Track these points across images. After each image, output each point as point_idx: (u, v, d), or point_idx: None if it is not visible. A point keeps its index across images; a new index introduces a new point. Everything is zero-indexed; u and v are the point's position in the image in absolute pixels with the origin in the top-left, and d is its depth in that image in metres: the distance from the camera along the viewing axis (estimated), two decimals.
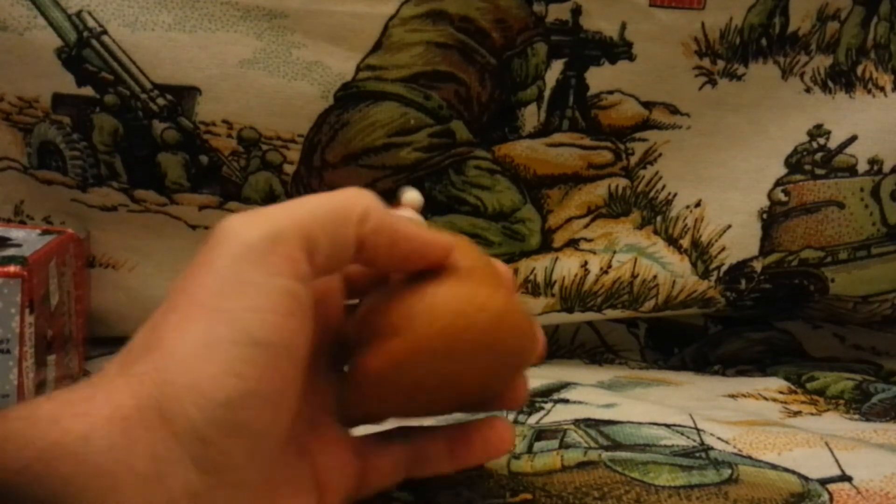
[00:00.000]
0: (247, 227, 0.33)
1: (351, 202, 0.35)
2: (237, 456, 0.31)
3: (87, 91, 0.60)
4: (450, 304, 0.35)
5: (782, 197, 0.65)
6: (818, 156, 0.65)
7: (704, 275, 0.66)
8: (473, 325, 0.34)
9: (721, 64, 0.63)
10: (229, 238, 0.33)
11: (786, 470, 0.48)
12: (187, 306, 0.32)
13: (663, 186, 0.65)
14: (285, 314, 0.32)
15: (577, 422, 0.53)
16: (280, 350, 0.32)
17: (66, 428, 0.29)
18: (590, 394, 0.59)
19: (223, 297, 0.31)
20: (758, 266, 0.66)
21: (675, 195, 0.65)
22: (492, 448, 0.41)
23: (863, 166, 0.64)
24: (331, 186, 0.62)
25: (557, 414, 0.55)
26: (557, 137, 0.63)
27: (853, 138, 0.64)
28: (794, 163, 0.65)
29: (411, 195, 0.47)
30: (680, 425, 0.53)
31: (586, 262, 0.66)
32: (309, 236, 0.34)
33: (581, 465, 0.47)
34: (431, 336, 0.34)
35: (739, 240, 0.65)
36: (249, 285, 0.32)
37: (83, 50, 0.59)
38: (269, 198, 0.62)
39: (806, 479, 0.47)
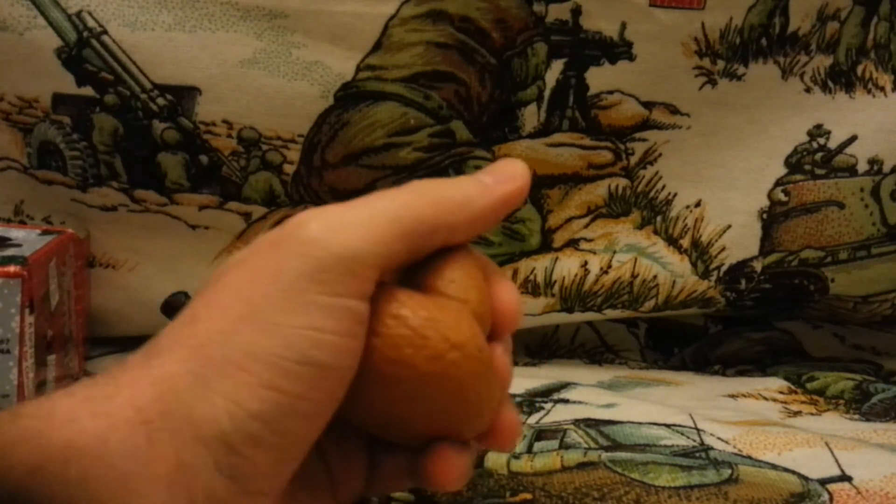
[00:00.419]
0: (325, 239, 0.30)
1: (449, 214, 0.33)
2: (264, 466, 0.30)
3: (88, 91, 0.60)
4: (398, 340, 0.32)
5: (782, 197, 0.65)
6: (818, 156, 0.65)
7: (704, 275, 0.66)
8: (414, 368, 0.32)
9: (721, 64, 0.63)
10: (303, 248, 0.30)
11: (786, 470, 0.48)
12: (237, 309, 0.30)
13: (663, 186, 0.65)
14: (346, 335, 0.30)
15: (577, 422, 0.53)
16: (331, 371, 0.30)
17: (83, 427, 0.28)
18: (590, 394, 0.59)
19: (282, 313, 0.29)
20: (758, 266, 0.66)
21: (675, 195, 0.65)
22: (435, 480, 0.36)
23: (863, 166, 0.64)
24: (331, 186, 0.62)
25: (557, 414, 0.55)
26: (557, 137, 0.63)
27: (853, 138, 0.64)
28: (794, 163, 0.65)
29: None
30: (680, 425, 0.53)
31: (586, 262, 0.66)
32: (390, 255, 0.32)
33: (581, 466, 0.47)
34: (378, 363, 0.32)
35: (739, 240, 0.65)
36: (313, 306, 0.30)
37: (83, 50, 0.59)
38: (269, 198, 0.62)
39: (806, 479, 0.47)
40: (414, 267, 0.35)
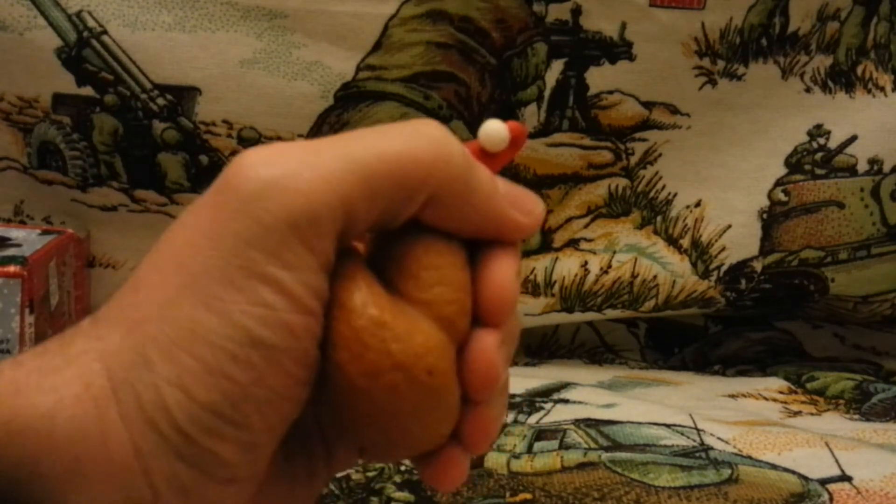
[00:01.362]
0: (269, 194, 0.25)
1: (422, 165, 0.27)
2: (229, 455, 0.26)
3: (87, 91, 0.60)
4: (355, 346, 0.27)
5: (782, 197, 0.65)
6: (818, 156, 0.65)
7: (704, 275, 0.66)
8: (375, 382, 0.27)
9: (721, 64, 0.63)
10: (243, 205, 0.25)
11: (786, 470, 0.48)
12: (178, 278, 0.26)
13: (663, 186, 0.65)
14: (298, 311, 0.26)
15: (577, 422, 0.53)
16: (285, 352, 0.26)
17: (29, 402, 0.25)
18: (590, 394, 0.59)
19: (224, 286, 0.25)
20: (758, 266, 0.66)
21: (675, 195, 0.65)
22: (427, 482, 0.31)
23: (863, 166, 0.64)
24: None
25: (557, 414, 0.55)
26: (557, 137, 0.63)
27: (853, 138, 0.64)
28: (794, 163, 0.65)
29: (493, 128, 0.31)
30: (680, 425, 0.53)
31: (586, 262, 0.66)
32: (351, 215, 0.26)
33: (581, 466, 0.47)
34: (340, 365, 0.27)
35: (739, 240, 0.65)
36: (260, 278, 0.25)
37: (83, 50, 0.59)
38: None
39: (806, 478, 0.47)
40: (387, 238, 0.29)
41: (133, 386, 0.25)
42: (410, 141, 0.27)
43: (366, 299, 0.27)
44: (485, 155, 0.30)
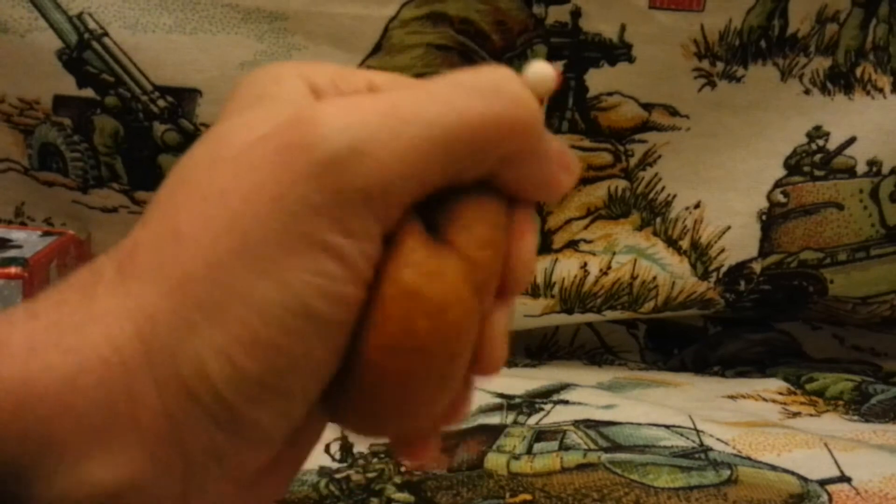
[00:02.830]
0: (348, 162, 0.23)
1: (504, 129, 0.26)
2: (266, 422, 0.25)
3: (88, 93, 0.60)
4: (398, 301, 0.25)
5: (781, 198, 0.65)
6: (817, 157, 0.65)
7: (704, 276, 0.66)
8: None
9: (720, 66, 0.63)
10: (317, 168, 0.23)
11: (785, 471, 0.48)
12: (229, 238, 0.23)
13: (663, 188, 0.65)
14: (355, 282, 0.24)
15: (576, 423, 0.53)
16: (337, 325, 0.24)
17: (46, 363, 0.23)
18: (589, 395, 0.59)
19: (283, 250, 0.23)
20: (757, 267, 0.66)
21: (674, 196, 0.65)
22: (401, 458, 0.31)
23: (862, 168, 0.64)
24: None
25: (557, 415, 0.55)
26: (557, 139, 0.63)
27: (852, 140, 0.64)
28: (794, 164, 0.65)
29: (544, 71, 0.29)
30: (679, 426, 0.53)
31: (586, 264, 0.66)
32: (426, 183, 0.25)
33: (581, 467, 0.47)
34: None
35: (739, 241, 0.66)
36: (320, 247, 0.23)
37: (84, 52, 0.59)
38: None
39: (805, 479, 0.47)
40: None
41: (172, 352, 0.23)
42: (493, 102, 0.26)
43: (418, 272, 0.25)
44: None
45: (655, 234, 0.66)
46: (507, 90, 0.26)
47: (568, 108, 0.63)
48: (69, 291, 0.25)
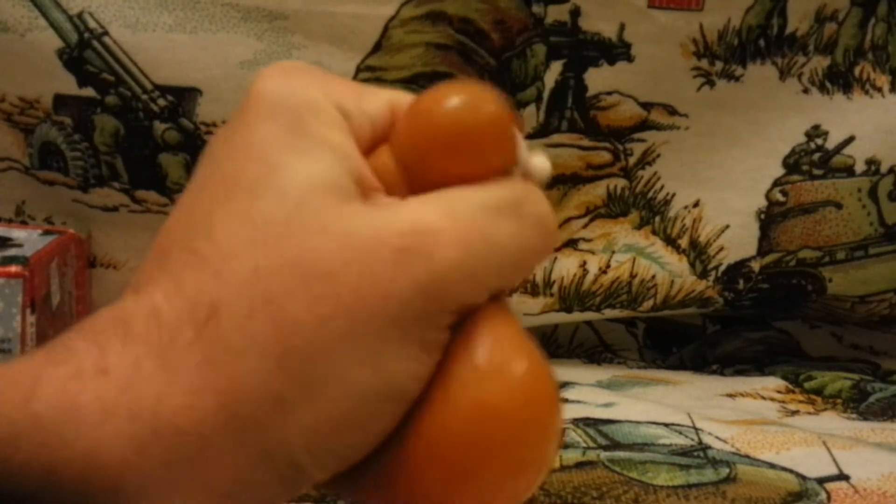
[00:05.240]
0: (457, 279, 0.25)
1: (542, 258, 0.28)
2: (321, 478, 0.25)
3: (89, 92, 0.60)
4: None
5: (780, 197, 0.65)
6: (816, 156, 0.65)
7: (703, 275, 0.66)
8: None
9: (719, 65, 0.63)
10: (431, 278, 0.24)
11: (783, 469, 0.48)
12: (334, 321, 0.24)
13: (662, 187, 0.65)
14: (435, 361, 0.25)
15: (575, 421, 0.53)
16: (412, 401, 0.25)
17: (118, 429, 0.22)
18: (588, 393, 0.59)
19: (385, 342, 0.24)
20: (756, 266, 0.66)
21: (673, 195, 0.66)
22: None
23: (860, 167, 0.65)
24: None
25: None
26: (556, 138, 0.63)
27: (851, 139, 0.64)
28: (792, 163, 0.65)
29: (541, 164, 0.30)
30: (678, 424, 0.53)
31: (585, 262, 0.66)
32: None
33: (580, 465, 0.48)
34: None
35: (737, 240, 0.66)
36: (417, 341, 0.25)
37: (84, 51, 0.59)
38: None
39: (804, 478, 0.47)
40: None
41: (257, 425, 0.23)
42: (547, 239, 0.28)
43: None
44: None
45: (654, 232, 0.66)
46: (552, 226, 0.28)
47: (567, 107, 0.63)
48: (142, 347, 0.24)
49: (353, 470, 0.26)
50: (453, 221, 0.25)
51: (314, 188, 0.25)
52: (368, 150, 0.27)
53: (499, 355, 0.26)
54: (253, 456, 0.23)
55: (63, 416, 0.22)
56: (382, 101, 0.28)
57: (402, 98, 0.28)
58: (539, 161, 0.30)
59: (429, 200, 0.26)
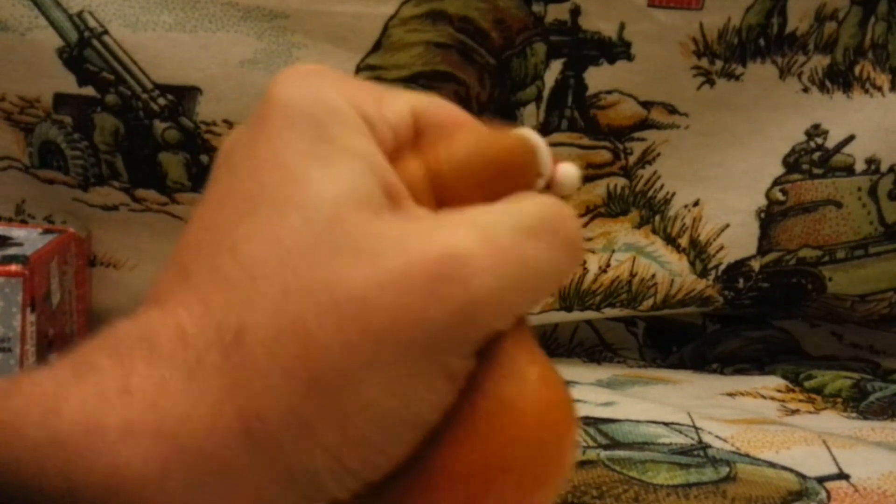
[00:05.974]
0: (490, 306, 0.24)
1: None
2: (344, 497, 0.25)
3: (89, 91, 0.60)
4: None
5: (780, 196, 0.65)
6: (816, 155, 0.65)
7: (703, 274, 0.66)
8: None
9: (719, 64, 0.63)
10: (464, 306, 0.24)
11: (784, 468, 0.48)
12: (364, 348, 0.23)
13: (661, 186, 0.65)
14: (457, 391, 0.25)
15: None
16: (431, 428, 0.25)
17: (141, 449, 0.22)
18: (588, 392, 0.59)
19: (411, 370, 0.24)
20: (756, 265, 0.66)
21: (673, 194, 0.66)
22: None
23: (860, 166, 0.65)
24: None
25: None
26: (556, 137, 0.64)
27: (851, 138, 0.64)
28: (792, 162, 0.65)
29: (569, 172, 0.30)
30: (678, 423, 0.53)
31: (585, 261, 0.66)
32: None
33: (580, 464, 0.48)
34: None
35: (737, 239, 0.66)
36: (444, 370, 0.24)
37: (84, 50, 0.59)
38: None
39: (804, 477, 0.47)
40: None
41: (280, 447, 0.23)
42: (573, 261, 0.27)
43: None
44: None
45: (654, 231, 0.66)
46: (581, 245, 0.28)
47: (567, 106, 0.63)
48: (167, 368, 0.23)
49: (373, 488, 0.25)
50: (490, 247, 0.24)
51: (344, 203, 0.24)
52: (392, 156, 0.26)
53: (519, 384, 0.26)
54: (275, 477, 0.23)
55: (85, 435, 0.22)
56: (404, 105, 0.28)
57: (423, 102, 0.28)
58: (566, 170, 0.29)
59: (463, 222, 0.25)
